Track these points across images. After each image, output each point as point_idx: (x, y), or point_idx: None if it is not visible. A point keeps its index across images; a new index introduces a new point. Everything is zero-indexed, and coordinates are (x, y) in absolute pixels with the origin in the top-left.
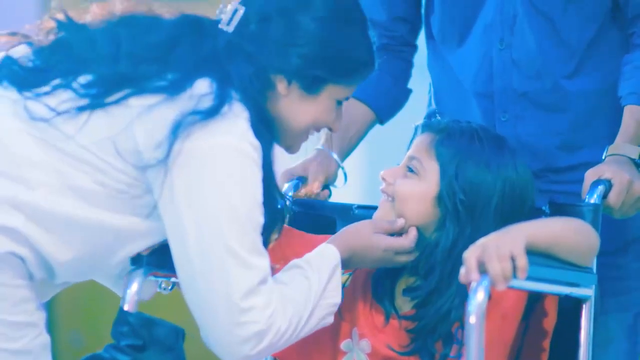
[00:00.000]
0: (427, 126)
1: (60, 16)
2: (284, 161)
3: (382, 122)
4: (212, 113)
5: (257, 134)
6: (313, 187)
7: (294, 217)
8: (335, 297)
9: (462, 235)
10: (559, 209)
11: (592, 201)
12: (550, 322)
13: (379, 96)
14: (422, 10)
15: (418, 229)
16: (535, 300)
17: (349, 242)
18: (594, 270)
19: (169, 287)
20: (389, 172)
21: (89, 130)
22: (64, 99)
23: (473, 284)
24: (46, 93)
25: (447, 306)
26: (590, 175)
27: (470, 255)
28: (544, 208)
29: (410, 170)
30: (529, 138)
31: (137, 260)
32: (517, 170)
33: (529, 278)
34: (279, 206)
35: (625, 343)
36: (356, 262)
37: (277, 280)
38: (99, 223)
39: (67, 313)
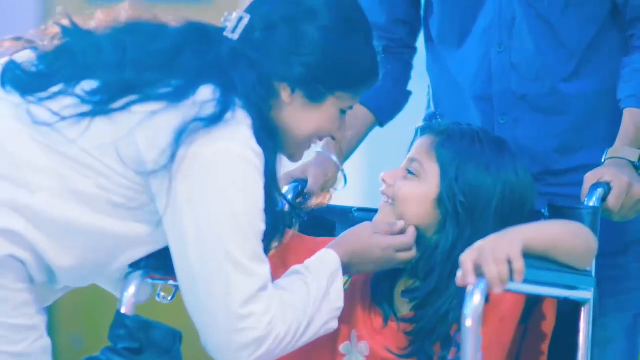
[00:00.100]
0: (428, 128)
1: (65, 22)
2: (284, 163)
3: (381, 125)
4: (215, 120)
5: (260, 141)
6: (325, 199)
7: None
8: (337, 301)
9: (461, 237)
10: (558, 212)
11: (591, 204)
12: (549, 326)
13: (378, 98)
14: (422, 13)
15: (418, 231)
16: (533, 303)
17: (348, 244)
18: (593, 273)
19: (169, 297)
20: (389, 174)
21: (92, 135)
22: (67, 104)
23: (469, 287)
24: (49, 97)
25: (446, 307)
26: (589, 178)
27: (467, 258)
28: (543, 211)
29: (410, 172)
30: (528, 141)
31: (134, 263)
32: (517, 173)
33: (526, 281)
34: (281, 213)
35: (624, 343)
36: (357, 264)
37: (277, 286)
38: (100, 229)
39: (68, 315)
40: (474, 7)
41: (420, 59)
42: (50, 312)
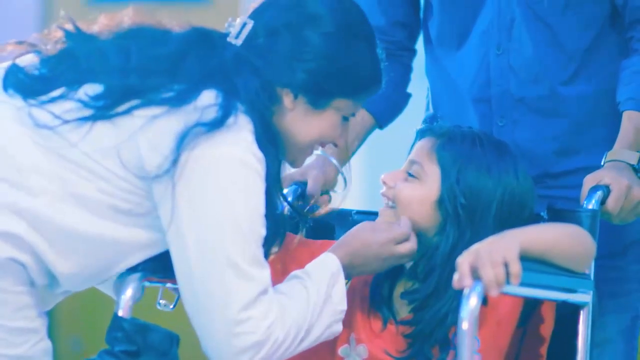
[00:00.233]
0: (428, 131)
1: (69, 26)
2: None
3: (381, 127)
4: (217, 124)
5: (262, 146)
6: (327, 205)
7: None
8: (339, 304)
9: (462, 240)
10: (557, 215)
11: (590, 207)
12: (547, 329)
13: (378, 100)
14: (421, 15)
15: (418, 233)
16: (532, 306)
17: (348, 245)
18: (591, 276)
19: (172, 306)
20: (390, 176)
21: (93, 139)
22: (69, 107)
23: (466, 290)
24: (51, 101)
25: (445, 309)
26: (588, 181)
27: (463, 261)
28: (542, 213)
29: (411, 175)
30: (527, 143)
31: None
32: (517, 176)
33: (523, 284)
34: (282, 218)
35: (622, 344)
36: (359, 264)
37: (277, 291)
38: (100, 234)
39: (68, 318)
40: (474, 9)
41: (419, 61)
42: (50, 315)
